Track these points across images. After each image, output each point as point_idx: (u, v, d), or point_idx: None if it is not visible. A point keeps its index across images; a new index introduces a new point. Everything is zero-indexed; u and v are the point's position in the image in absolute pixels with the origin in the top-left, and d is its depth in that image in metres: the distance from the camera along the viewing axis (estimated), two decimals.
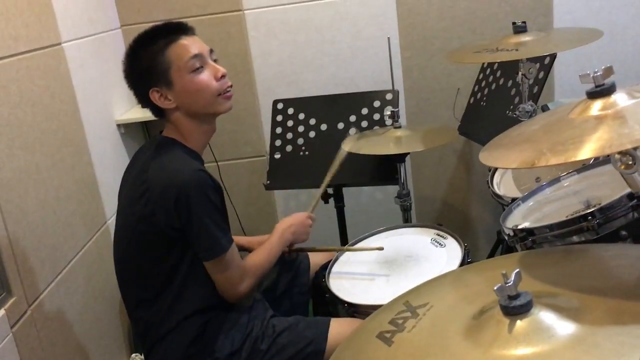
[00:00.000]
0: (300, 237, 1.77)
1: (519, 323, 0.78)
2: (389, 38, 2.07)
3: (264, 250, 1.64)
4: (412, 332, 0.90)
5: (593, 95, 0.96)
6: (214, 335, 1.53)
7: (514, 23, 1.80)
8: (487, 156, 1.05)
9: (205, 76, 1.53)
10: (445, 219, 2.79)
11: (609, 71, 0.96)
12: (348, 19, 2.55)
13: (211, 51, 1.57)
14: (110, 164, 2.23)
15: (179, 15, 2.44)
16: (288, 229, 1.73)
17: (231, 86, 1.57)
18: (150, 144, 1.61)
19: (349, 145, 1.98)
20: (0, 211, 1.52)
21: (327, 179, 1.92)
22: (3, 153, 1.56)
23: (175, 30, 1.53)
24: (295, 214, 1.79)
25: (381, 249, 1.78)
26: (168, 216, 1.44)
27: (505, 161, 1.04)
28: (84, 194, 2.00)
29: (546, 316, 0.78)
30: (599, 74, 0.96)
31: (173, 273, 1.51)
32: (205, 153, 1.63)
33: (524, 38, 1.76)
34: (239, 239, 1.91)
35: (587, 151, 0.85)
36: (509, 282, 0.79)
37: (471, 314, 0.87)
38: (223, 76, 1.55)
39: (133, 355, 2.25)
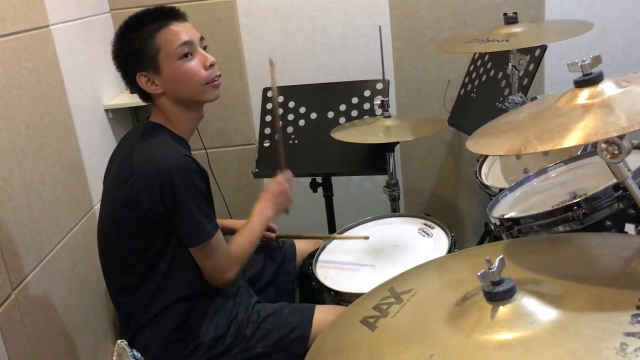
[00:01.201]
0: (282, 206, 1.73)
1: (501, 309, 0.78)
2: (380, 27, 2.06)
3: (245, 233, 1.61)
4: (396, 317, 0.90)
5: (581, 84, 0.96)
6: (199, 321, 1.53)
7: (505, 14, 1.80)
8: (475, 144, 1.05)
9: (193, 64, 1.51)
10: (433, 210, 2.80)
11: (597, 60, 0.96)
12: (339, 8, 2.53)
13: (202, 39, 1.55)
14: (97, 149, 2.21)
15: (169, 1, 2.41)
16: (266, 206, 1.69)
17: (219, 75, 1.56)
18: (136, 129, 1.59)
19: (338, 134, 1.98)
20: None
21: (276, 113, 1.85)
22: None
23: (166, 15, 1.52)
24: (269, 186, 1.73)
25: (367, 238, 1.78)
26: (152, 201, 1.43)
27: (493, 148, 1.04)
28: (71, 179, 1.99)
29: (529, 302, 0.79)
30: (587, 62, 0.96)
31: (157, 259, 1.50)
32: (194, 140, 1.62)
33: (515, 29, 1.76)
34: (227, 222, 1.91)
35: (573, 139, 0.85)
36: (493, 268, 0.80)
37: (455, 300, 0.87)
38: (212, 65, 1.54)
39: (119, 341, 2.24)
